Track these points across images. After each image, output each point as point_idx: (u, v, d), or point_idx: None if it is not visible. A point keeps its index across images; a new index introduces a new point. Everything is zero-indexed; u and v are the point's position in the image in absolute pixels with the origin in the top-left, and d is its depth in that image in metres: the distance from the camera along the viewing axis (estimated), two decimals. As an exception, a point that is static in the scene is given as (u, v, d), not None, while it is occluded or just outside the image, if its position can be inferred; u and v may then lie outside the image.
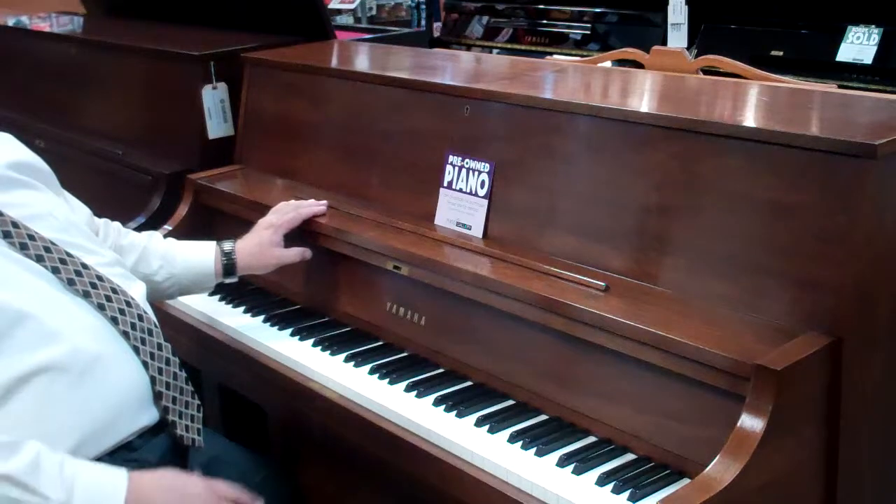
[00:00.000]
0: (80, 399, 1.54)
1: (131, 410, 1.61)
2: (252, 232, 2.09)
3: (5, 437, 1.40)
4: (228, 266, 2.04)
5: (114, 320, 1.62)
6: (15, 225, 1.60)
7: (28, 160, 1.77)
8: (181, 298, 2.26)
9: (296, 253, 2.08)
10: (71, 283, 1.61)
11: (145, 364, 1.63)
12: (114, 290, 1.65)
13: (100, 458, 1.56)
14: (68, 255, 1.63)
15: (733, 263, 1.56)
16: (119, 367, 1.60)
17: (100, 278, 1.65)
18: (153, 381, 1.64)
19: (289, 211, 2.11)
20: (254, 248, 2.06)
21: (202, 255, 2.04)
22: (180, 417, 1.67)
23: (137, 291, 1.73)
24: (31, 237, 1.60)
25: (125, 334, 1.62)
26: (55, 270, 1.60)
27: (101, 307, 1.62)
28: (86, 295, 1.61)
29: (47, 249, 1.61)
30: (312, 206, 2.13)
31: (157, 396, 1.64)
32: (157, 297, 2.04)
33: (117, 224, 2.04)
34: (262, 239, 2.07)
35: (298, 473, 2.11)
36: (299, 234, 2.12)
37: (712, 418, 1.45)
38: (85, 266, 1.64)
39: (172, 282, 2.02)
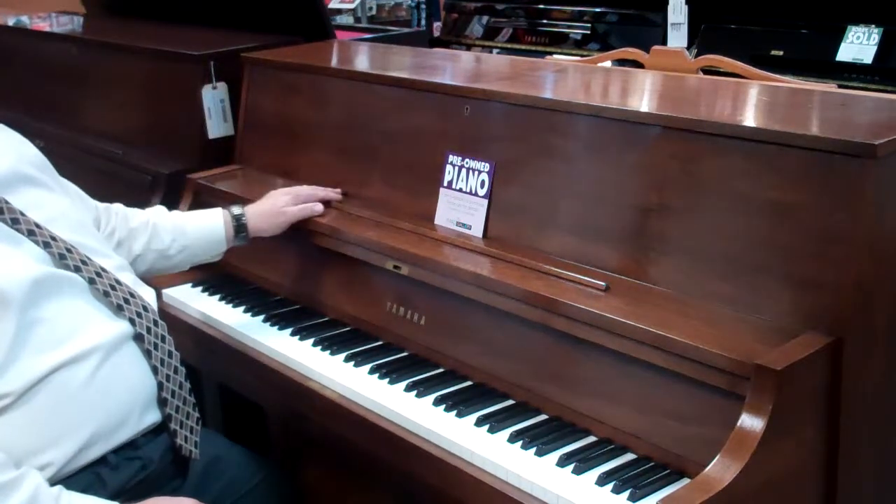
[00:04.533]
0: (93, 398, 1.56)
1: (138, 411, 1.63)
2: (265, 198, 2.13)
3: (5, 476, 1.41)
4: (239, 228, 2.06)
5: (131, 322, 1.64)
6: (38, 226, 1.61)
7: (42, 157, 1.80)
8: (180, 297, 2.27)
9: (305, 207, 2.11)
10: (92, 282, 1.62)
11: (154, 369, 1.65)
12: (131, 295, 1.68)
13: (106, 455, 1.59)
14: (88, 258, 1.65)
15: (733, 263, 1.56)
16: (131, 369, 1.63)
17: (118, 282, 1.67)
18: (160, 386, 1.66)
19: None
20: (265, 209, 2.10)
21: (212, 222, 2.06)
22: (181, 427, 1.68)
23: (150, 297, 1.75)
24: (53, 238, 1.62)
25: (139, 337, 1.64)
26: (77, 270, 1.61)
27: (119, 308, 1.64)
28: (105, 295, 1.63)
29: (69, 251, 1.63)
30: (329, 191, 2.17)
31: (163, 402, 1.66)
32: (168, 269, 2.08)
33: (119, 207, 2.03)
34: (275, 202, 2.11)
35: (298, 473, 2.11)
36: (300, 233, 2.12)
37: (712, 418, 1.45)
38: (104, 269, 1.67)
39: (186, 254, 2.05)
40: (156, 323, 1.68)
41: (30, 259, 1.57)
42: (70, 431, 1.53)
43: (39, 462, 1.49)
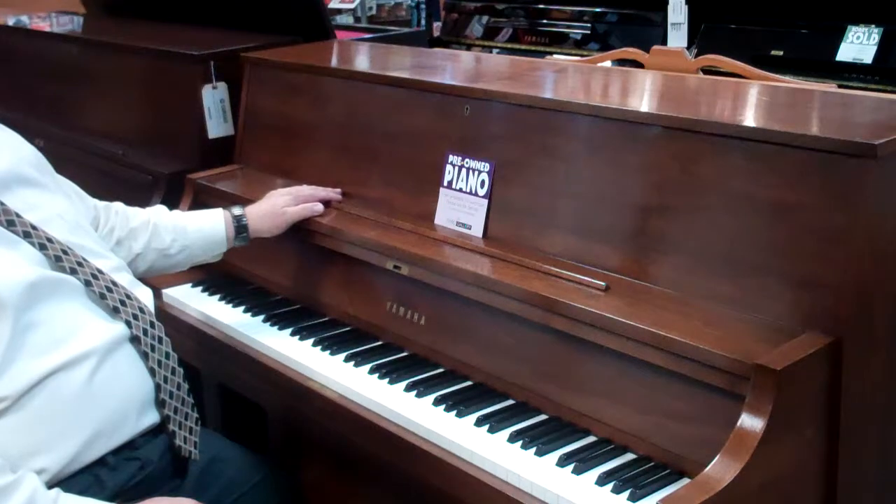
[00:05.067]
0: (90, 401, 1.56)
1: (136, 413, 1.63)
2: (265, 198, 2.14)
3: (3, 480, 1.41)
4: (240, 229, 2.06)
5: (127, 324, 1.64)
6: (34, 227, 1.61)
7: (39, 157, 1.79)
8: (180, 297, 2.27)
9: (305, 208, 2.12)
10: (88, 284, 1.62)
11: (152, 371, 1.65)
12: (128, 296, 1.67)
13: (105, 457, 1.58)
14: (84, 259, 1.65)
15: (733, 263, 1.56)
16: (128, 371, 1.63)
17: (114, 283, 1.67)
18: (158, 388, 1.65)
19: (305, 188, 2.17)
20: (266, 210, 2.10)
21: (213, 222, 2.07)
22: (180, 428, 1.68)
23: (147, 298, 1.74)
24: (50, 240, 1.61)
25: (136, 339, 1.64)
26: (73, 272, 1.61)
27: (115, 310, 1.63)
28: (102, 297, 1.62)
29: (65, 252, 1.62)
30: (329, 191, 2.17)
31: (161, 404, 1.66)
32: (168, 269, 2.08)
33: (119, 206, 2.03)
34: (276, 202, 2.11)
35: (298, 473, 2.11)
36: (300, 233, 2.12)
37: (712, 418, 1.45)
38: (100, 271, 1.66)
39: (186, 253, 2.05)
40: (153, 324, 1.68)
41: (26, 261, 1.56)
42: (67, 434, 1.53)
43: (36, 465, 1.49)
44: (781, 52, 3.44)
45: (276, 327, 2.08)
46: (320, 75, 2.41)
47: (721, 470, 1.34)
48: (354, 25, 5.24)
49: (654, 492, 1.46)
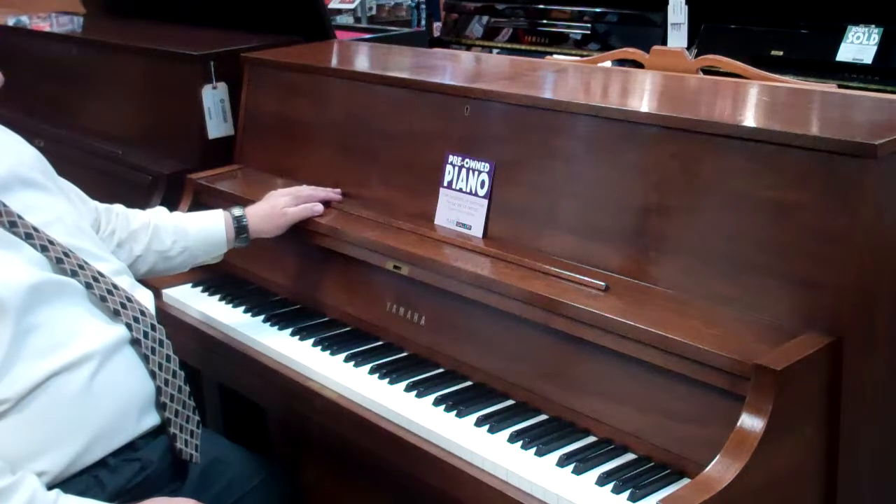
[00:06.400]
0: (90, 403, 1.56)
1: (136, 415, 1.63)
2: (265, 198, 2.14)
3: (3, 482, 1.42)
4: (240, 230, 2.07)
5: (128, 327, 1.64)
6: (35, 229, 1.61)
7: (40, 158, 1.79)
8: (180, 297, 2.27)
9: (305, 208, 2.12)
10: (88, 286, 1.62)
11: (153, 373, 1.65)
12: (128, 299, 1.67)
13: (105, 458, 1.58)
14: (85, 262, 1.65)
15: (733, 263, 1.56)
16: (128, 373, 1.63)
17: (115, 286, 1.67)
18: (159, 391, 1.65)
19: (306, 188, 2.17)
20: (266, 211, 2.11)
21: (213, 223, 2.07)
22: (181, 431, 1.68)
23: (147, 300, 1.74)
24: (51, 242, 1.61)
25: (137, 342, 1.64)
26: (73, 274, 1.61)
27: (116, 313, 1.63)
28: (102, 300, 1.62)
29: (66, 255, 1.62)
30: (329, 191, 2.17)
31: (162, 407, 1.66)
32: (168, 271, 2.08)
33: (119, 208, 2.03)
34: (276, 203, 2.11)
35: (298, 473, 2.11)
36: (300, 233, 2.12)
37: (712, 418, 1.45)
38: (101, 274, 1.66)
39: (186, 255, 2.05)
40: (153, 327, 1.68)
41: (28, 264, 1.56)
42: (67, 436, 1.53)
43: (36, 467, 1.49)
44: (781, 52, 3.44)
45: (276, 327, 2.08)
46: (320, 75, 2.41)
47: (721, 470, 1.34)
48: (354, 25, 5.23)
49: (654, 492, 1.46)
